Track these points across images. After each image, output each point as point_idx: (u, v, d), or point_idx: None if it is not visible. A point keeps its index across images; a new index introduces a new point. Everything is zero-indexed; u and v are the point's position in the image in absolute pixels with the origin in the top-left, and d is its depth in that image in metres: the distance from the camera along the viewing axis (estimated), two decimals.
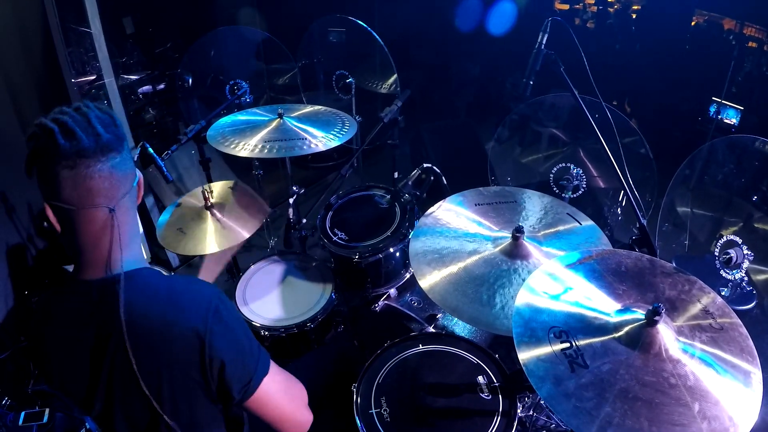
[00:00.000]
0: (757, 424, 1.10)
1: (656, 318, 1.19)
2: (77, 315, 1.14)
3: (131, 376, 1.08)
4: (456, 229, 1.92)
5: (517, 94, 4.51)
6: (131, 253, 1.17)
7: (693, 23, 4.76)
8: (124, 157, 1.11)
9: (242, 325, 1.20)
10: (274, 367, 1.24)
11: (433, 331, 2.05)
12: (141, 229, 1.30)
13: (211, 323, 1.10)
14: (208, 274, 1.98)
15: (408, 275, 2.43)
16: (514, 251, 1.76)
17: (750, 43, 4.29)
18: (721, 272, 2.04)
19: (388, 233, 2.35)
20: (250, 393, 1.17)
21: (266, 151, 2.32)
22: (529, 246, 1.77)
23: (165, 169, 2.18)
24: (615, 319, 1.29)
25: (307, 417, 1.34)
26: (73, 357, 1.16)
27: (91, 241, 1.10)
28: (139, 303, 1.10)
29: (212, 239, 2.19)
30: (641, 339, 1.21)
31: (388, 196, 2.56)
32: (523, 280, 1.56)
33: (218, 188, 2.46)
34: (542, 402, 1.64)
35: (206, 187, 2.28)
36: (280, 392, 1.25)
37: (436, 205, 2.05)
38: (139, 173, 1.21)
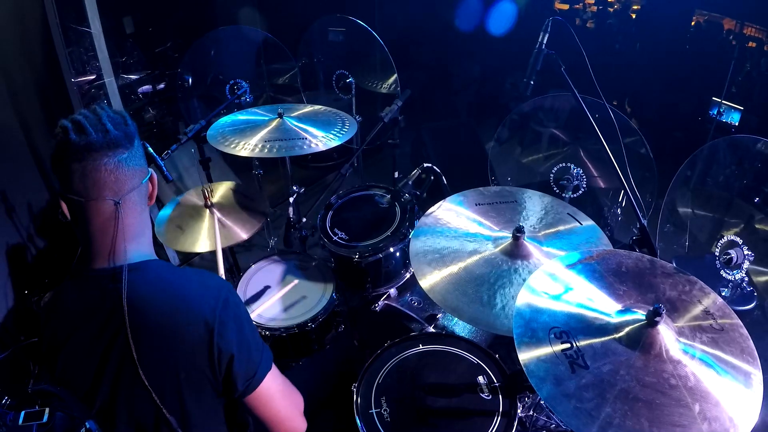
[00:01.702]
0: (758, 425, 1.10)
1: (657, 319, 1.19)
2: (86, 304, 1.16)
3: (135, 368, 1.10)
4: (456, 228, 1.92)
5: (517, 94, 4.51)
6: (139, 246, 1.21)
7: (693, 23, 4.76)
8: (132, 154, 1.16)
9: (249, 319, 1.24)
10: (275, 368, 1.26)
11: (434, 331, 2.05)
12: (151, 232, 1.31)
13: (220, 313, 1.14)
14: None
15: (408, 275, 2.43)
16: (515, 251, 1.76)
17: (750, 43, 4.29)
18: (722, 273, 2.04)
19: (389, 233, 2.35)
20: (254, 387, 1.19)
21: (266, 150, 2.32)
22: (529, 246, 1.77)
23: (165, 169, 2.18)
24: (615, 319, 1.29)
25: (301, 424, 1.35)
26: (80, 348, 1.17)
27: (99, 231, 1.15)
28: (147, 293, 1.14)
29: (210, 236, 2.20)
30: (642, 340, 1.21)
31: (389, 196, 2.56)
32: (524, 280, 1.55)
33: (219, 188, 2.47)
34: (542, 402, 1.64)
35: (206, 186, 2.29)
36: (279, 393, 1.27)
37: (437, 205, 2.05)
38: (151, 171, 1.25)
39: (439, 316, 2.14)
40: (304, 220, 2.39)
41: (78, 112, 1.14)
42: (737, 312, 1.33)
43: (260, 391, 1.21)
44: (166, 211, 2.34)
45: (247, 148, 2.34)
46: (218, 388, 1.19)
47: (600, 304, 1.34)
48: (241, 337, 1.17)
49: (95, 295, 1.15)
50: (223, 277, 1.80)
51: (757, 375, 1.19)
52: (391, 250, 2.30)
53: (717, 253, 2.09)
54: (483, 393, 1.62)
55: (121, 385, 1.16)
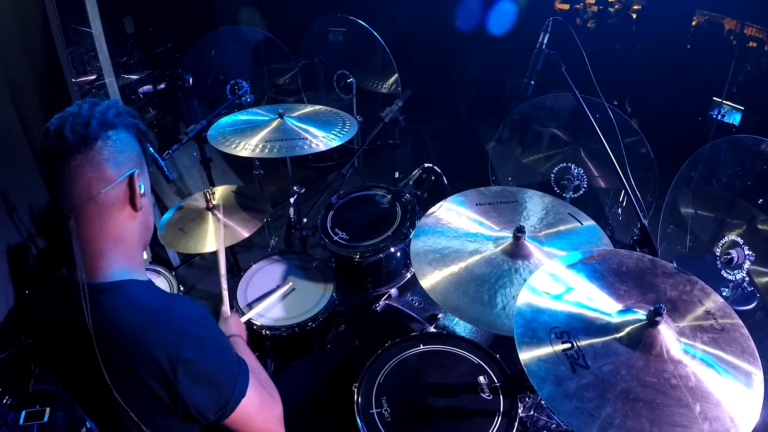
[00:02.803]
0: (758, 425, 1.10)
1: (657, 318, 1.19)
2: (61, 312, 1.14)
3: (108, 386, 1.07)
4: (457, 228, 1.92)
5: (518, 94, 4.50)
6: (113, 262, 1.12)
7: (693, 23, 4.75)
8: (88, 160, 1.05)
9: (221, 349, 1.16)
10: (251, 387, 1.19)
11: (434, 331, 2.05)
12: (136, 241, 1.20)
13: (187, 351, 1.06)
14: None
15: (409, 275, 2.43)
16: (516, 251, 1.76)
17: (750, 43, 4.29)
18: (723, 273, 2.04)
19: (389, 233, 2.35)
20: (227, 414, 1.14)
21: (267, 150, 2.32)
22: (530, 246, 1.77)
23: (166, 169, 2.18)
24: (616, 319, 1.28)
25: None
26: (59, 350, 1.16)
27: (68, 242, 1.09)
28: (116, 316, 1.07)
29: (212, 238, 2.20)
30: (642, 339, 1.21)
31: (389, 196, 2.56)
32: (525, 280, 1.56)
33: (220, 191, 2.47)
34: (543, 402, 1.64)
35: (208, 189, 2.29)
36: (256, 413, 1.21)
37: (437, 205, 2.05)
38: (130, 173, 1.11)
39: (439, 316, 2.14)
40: (305, 220, 2.39)
41: (60, 113, 1.08)
42: (738, 312, 1.33)
43: (234, 416, 1.15)
44: (167, 216, 2.35)
45: (247, 148, 2.34)
46: (181, 416, 1.13)
47: (601, 304, 1.34)
48: (209, 372, 1.10)
49: (68, 305, 1.12)
50: (225, 280, 1.74)
51: (758, 375, 1.18)
52: (392, 250, 2.30)
53: (718, 253, 2.09)
54: (484, 393, 1.61)
55: (98, 396, 1.13)
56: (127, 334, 1.06)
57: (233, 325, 1.62)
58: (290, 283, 2.28)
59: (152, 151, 2.10)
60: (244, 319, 1.78)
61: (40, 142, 1.05)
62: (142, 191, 1.15)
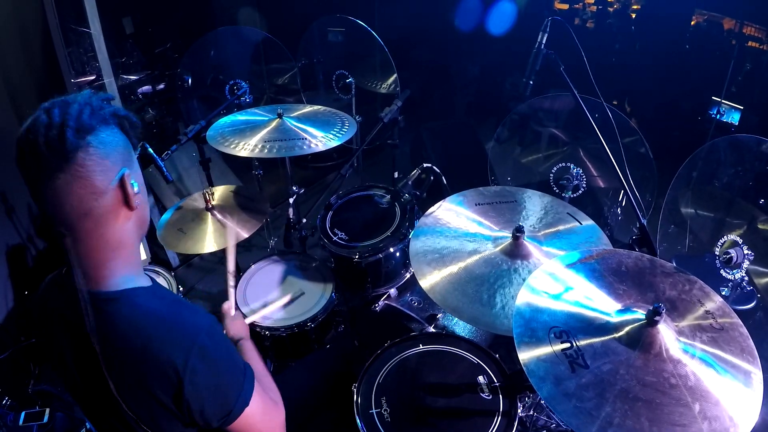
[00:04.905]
0: (758, 425, 1.10)
1: (657, 318, 1.19)
2: (66, 315, 1.13)
3: (112, 393, 1.07)
4: (456, 228, 1.92)
5: (517, 94, 4.51)
6: (114, 270, 1.09)
7: (693, 23, 4.75)
8: (73, 175, 0.97)
9: (228, 358, 1.15)
10: (256, 394, 1.18)
11: (434, 331, 2.05)
12: (135, 241, 1.15)
13: (194, 361, 1.04)
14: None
15: (408, 275, 2.43)
16: (515, 251, 1.76)
17: (750, 43, 4.28)
18: (722, 272, 2.04)
19: (388, 233, 2.35)
20: (230, 422, 1.14)
21: (266, 151, 2.32)
22: (529, 246, 1.77)
23: (165, 170, 2.18)
24: (615, 319, 1.28)
25: None
26: (61, 350, 1.16)
27: (66, 255, 1.06)
28: (123, 326, 1.05)
29: (211, 239, 2.20)
30: (642, 339, 1.21)
31: (388, 196, 2.56)
32: (524, 279, 1.56)
33: (220, 191, 2.47)
34: (543, 402, 1.64)
35: (207, 189, 2.29)
36: (258, 421, 1.21)
37: (437, 205, 2.05)
38: (120, 175, 1.04)
39: (439, 316, 2.14)
40: (304, 220, 2.39)
41: (29, 120, 0.99)
42: (737, 311, 1.33)
43: (237, 423, 1.15)
44: (166, 216, 2.35)
45: (246, 148, 2.34)
46: (188, 422, 1.13)
47: (600, 303, 1.34)
48: (215, 381, 1.09)
49: (70, 312, 1.10)
50: (233, 273, 1.71)
51: (757, 374, 1.19)
52: (391, 250, 2.30)
53: (717, 253, 2.09)
54: (483, 393, 1.62)
55: (101, 399, 1.13)
56: (134, 343, 1.04)
57: (240, 327, 1.62)
58: (299, 290, 2.26)
59: (151, 151, 2.11)
60: (248, 321, 1.77)
61: (15, 158, 0.95)
62: (136, 189, 1.08)
